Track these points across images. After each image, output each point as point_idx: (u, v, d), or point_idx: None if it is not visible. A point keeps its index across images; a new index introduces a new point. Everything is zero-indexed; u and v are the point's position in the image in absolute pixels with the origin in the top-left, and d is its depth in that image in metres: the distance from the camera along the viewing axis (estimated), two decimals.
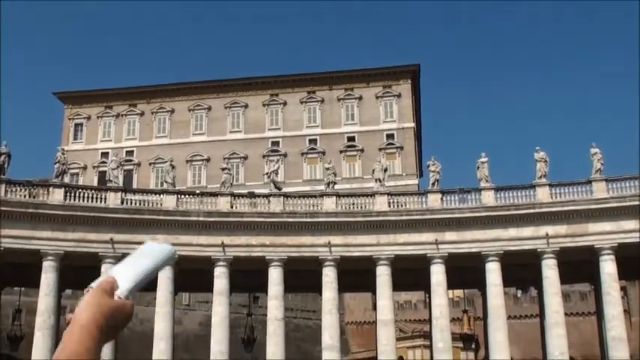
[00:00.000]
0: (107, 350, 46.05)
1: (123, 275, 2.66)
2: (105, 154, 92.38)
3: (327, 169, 53.70)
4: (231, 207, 50.00)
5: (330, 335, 48.41)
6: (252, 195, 53.08)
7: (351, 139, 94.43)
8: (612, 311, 46.61)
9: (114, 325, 2.50)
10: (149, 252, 2.85)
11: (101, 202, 48.85)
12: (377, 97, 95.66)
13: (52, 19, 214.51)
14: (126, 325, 2.60)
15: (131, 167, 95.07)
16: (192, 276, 50.19)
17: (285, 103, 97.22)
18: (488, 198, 49.36)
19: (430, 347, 52.08)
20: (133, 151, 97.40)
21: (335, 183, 52.35)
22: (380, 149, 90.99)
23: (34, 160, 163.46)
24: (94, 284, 2.62)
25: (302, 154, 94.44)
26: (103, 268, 47.24)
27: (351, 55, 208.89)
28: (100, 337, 2.43)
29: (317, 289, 50.45)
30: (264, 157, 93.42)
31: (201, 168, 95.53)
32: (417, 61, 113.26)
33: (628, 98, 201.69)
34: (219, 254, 48.46)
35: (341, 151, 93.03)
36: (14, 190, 47.65)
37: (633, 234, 46.28)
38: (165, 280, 47.97)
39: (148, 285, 2.74)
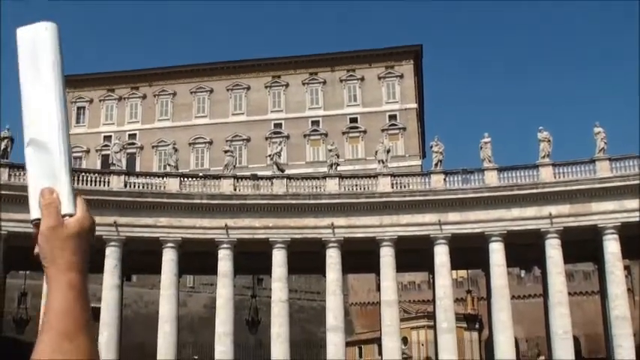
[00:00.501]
0: (112, 331, 46.32)
1: (54, 177, 2.19)
2: (107, 138, 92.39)
3: (330, 150, 53.69)
4: (235, 189, 50.04)
5: (334, 316, 48.58)
6: (255, 177, 53.13)
7: (353, 120, 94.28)
8: (616, 290, 46.69)
9: (85, 252, 2.21)
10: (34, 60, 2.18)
11: (104, 185, 48.93)
12: (379, 78, 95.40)
13: (53, 2, 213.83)
14: (93, 237, 2.27)
15: (134, 150, 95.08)
16: (196, 258, 50.37)
17: (287, 85, 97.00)
18: (492, 178, 49.33)
19: (434, 328, 52.23)
20: (135, 135, 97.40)
21: (338, 164, 52.35)
22: (382, 130, 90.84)
23: None
24: (35, 214, 2.20)
25: (304, 135, 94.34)
26: (108, 251, 47.46)
27: (353, 35, 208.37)
28: (82, 278, 2.17)
29: (321, 270, 50.59)
30: (266, 139, 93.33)
31: (203, 150, 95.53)
32: (420, 41, 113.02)
33: (630, 77, 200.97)
34: (223, 236, 48.55)
35: (343, 133, 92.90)
36: (17, 174, 47.72)
37: (636, 213, 46.28)
38: (169, 262, 48.17)
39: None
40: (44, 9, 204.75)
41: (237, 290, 54.36)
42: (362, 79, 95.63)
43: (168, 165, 52.59)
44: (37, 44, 2.22)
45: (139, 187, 50.03)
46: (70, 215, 2.20)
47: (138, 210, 48.18)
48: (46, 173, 2.16)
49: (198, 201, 48.87)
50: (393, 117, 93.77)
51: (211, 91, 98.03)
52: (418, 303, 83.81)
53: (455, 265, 50.57)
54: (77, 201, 2.26)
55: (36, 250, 2.21)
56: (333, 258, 48.93)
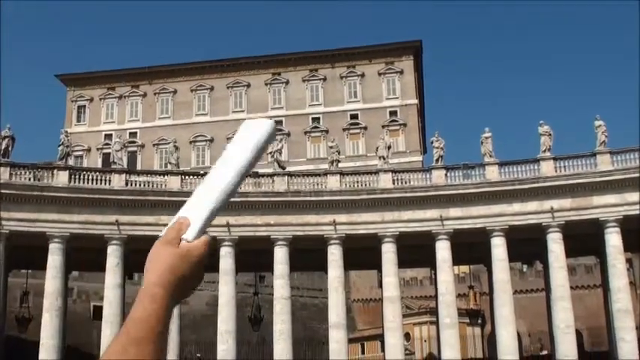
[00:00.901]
0: (115, 330, 46.32)
1: (195, 211, 2.29)
2: (108, 136, 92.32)
3: (331, 147, 53.69)
4: None
5: (336, 313, 48.61)
6: (256, 175, 53.10)
7: (354, 116, 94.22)
8: (618, 283, 46.72)
9: (183, 277, 2.21)
10: (240, 140, 2.35)
11: (106, 183, 48.96)
12: (379, 74, 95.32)
13: (53, 3, 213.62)
14: (200, 272, 2.27)
15: (135, 149, 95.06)
16: None
17: (287, 82, 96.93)
18: (493, 173, 49.32)
19: (436, 323, 52.29)
20: (136, 133, 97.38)
21: (339, 161, 52.36)
22: (383, 126, 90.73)
23: (37, 143, 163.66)
24: (162, 232, 2.30)
25: (305, 132, 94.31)
26: (110, 249, 47.51)
27: (352, 32, 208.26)
28: (167, 295, 2.17)
29: (323, 267, 50.59)
30: None
31: (204, 148, 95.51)
32: (419, 37, 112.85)
33: (630, 70, 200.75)
34: (225, 234, 48.56)
35: (344, 129, 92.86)
36: (19, 173, 47.77)
37: (637, 206, 46.26)
38: None
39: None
40: (42, 8, 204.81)
41: (240, 288, 54.40)
42: (362, 75, 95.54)
43: (170, 163, 52.60)
44: (252, 132, 2.38)
45: (140, 185, 50.06)
46: (188, 241, 2.25)
47: (139, 208, 48.20)
48: (192, 208, 2.29)
49: None
50: (393, 113, 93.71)
51: (212, 88, 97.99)
52: (420, 299, 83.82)
53: (457, 260, 50.59)
54: (202, 237, 2.29)
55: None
56: (334, 255, 48.94)
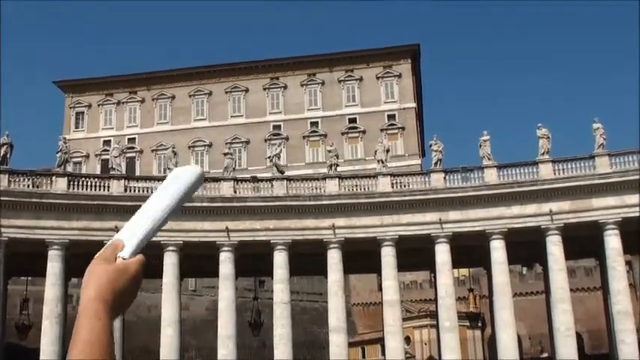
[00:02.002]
0: (115, 337, 46.19)
1: (129, 232, 2.46)
2: (107, 142, 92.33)
3: (329, 151, 53.71)
4: (235, 192, 50.05)
5: (336, 317, 48.58)
6: (255, 179, 53.09)
7: (352, 120, 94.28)
8: (617, 286, 46.70)
9: (120, 291, 2.29)
10: (172, 183, 2.67)
11: (105, 190, 48.94)
12: (377, 78, 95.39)
13: (50, 8, 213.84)
14: (136, 287, 2.36)
15: (133, 154, 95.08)
16: (197, 262, 50.38)
17: (285, 87, 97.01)
18: (491, 176, 49.34)
19: (437, 327, 52.27)
20: (134, 139, 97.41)
21: (337, 165, 52.37)
22: (382, 130, 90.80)
23: (36, 149, 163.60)
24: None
25: (304, 137, 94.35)
26: None
27: (350, 36, 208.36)
28: (108, 309, 2.24)
29: (322, 271, 50.57)
30: (266, 141, 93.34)
31: (203, 153, 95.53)
32: (417, 39, 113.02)
33: (629, 71, 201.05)
34: (224, 239, 48.55)
35: (343, 133, 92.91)
36: (17, 180, 47.74)
37: (637, 208, 46.27)
38: (170, 266, 48.18)
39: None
40: (40, 14, 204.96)
41: (239, 293, 54.37)
42: (360, 79, 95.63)
43: (168, 168, 52.60)
44: (180, 177, 2.66)
45: (139, 191, 50.04)
46: (123, 259, 2.36)
47: None
48: (127, 233, 2.47)
49: (199, 204, 48.84)
50: (391, 117, 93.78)
51: (210, 93, 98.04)
52: (420, 302, 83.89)
53: (456, 263, 50.61)
54: (137, 256, 2.41)
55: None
56: (334, 259, 48.93)
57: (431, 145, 51.78)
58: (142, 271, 2.39)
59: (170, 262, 48.23)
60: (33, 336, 51.60)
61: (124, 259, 2.35)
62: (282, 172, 52.92)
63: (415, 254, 50.40)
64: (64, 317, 47.06)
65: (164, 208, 2.59)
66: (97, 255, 2.36)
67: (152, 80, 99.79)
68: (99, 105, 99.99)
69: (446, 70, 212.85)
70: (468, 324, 65.95)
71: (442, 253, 48.45)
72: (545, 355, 67.76)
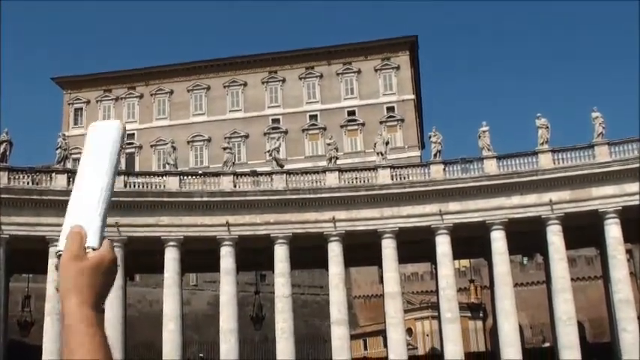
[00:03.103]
0: (116, 332, 46.36)
1: (85, 215, 2.28)
2: None
3: (329, 144, 53.69)
4: (234, 186, 50.04)
5: (338, 310, 48.64)
6: (254, 173, 53.08)
7: (351, 113, 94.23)
8: (618, 274, 46.76)
9: (101, 287, 2.24)
10: (97, 145, 2.43)
11: None
12: (376, 70, 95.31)
13: (48, 4, 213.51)
14: (113, 276, 2.30)
15: (132, 150, 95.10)
16: (198, 256, 50.41)
17: (283, 80, 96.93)
18: (491, 167, 49.33)
19: (438, 318, 52.34)
20: (133, 134, 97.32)
21: (337, 158, 52.34)
22: (381, 122, 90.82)
23: (35, 146, 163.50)
24: (60, 245, 2.27)
25: (303, 130, 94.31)
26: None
27: (348, 28, 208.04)
28: (96, 311, 2.19)
29: (323, 264, 50.62)
30: (265, 134, 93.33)
31: (202, 148, 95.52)
32: (415, 31, 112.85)
33: (629, 61, 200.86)
34: (225, 234, 48.57)
35: (342, 126, 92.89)
36: (17, 177, 47.73)
37: (637, 196, 46.29)
38: (171, 261, 48.21)
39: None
40: (38, 11, 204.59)
41: (241, 287, 54.41)
42: (358, 71, 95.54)
43: (168, 164, 52.58)
44: (103, 136, 2.47)
45: (138, 186, 50.01)
46: (94, 249, 2.24)
47: (138, 210, 48.18)
48: (79, 215, 2.28)
49: (199, 199, 48.86)
50: (390, 109, 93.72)
51: (208, 88, 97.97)
52: (421, 294, 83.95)
53: (457, 254, 50.66)
54: (105, 242, 2.30)
55: (55, 284, 2.26)
56: (335, 252, 48.96)
57: (430, 137, 51.75)
58: (114, 255, 2.29)
59: (171, 257, 48.26)
60: (35, 333, 51.72)
61: (94, 249, 2.24)
62: (281, 166, 52.90)
63: (416, 246, 50.44)
64: None
65: (107, 174, 2.38)
66: (64, 250, 2.24)
67: (150, 75, 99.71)
68: (97, 101, 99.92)
69: (444, 62, 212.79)
70: (469, 315, 66.21)
71: (442, 245, 48.49)
72: (547, 344, 67.84)
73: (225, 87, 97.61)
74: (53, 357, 44.97)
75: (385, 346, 52.30)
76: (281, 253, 48.84)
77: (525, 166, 49.31)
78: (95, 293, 2.21)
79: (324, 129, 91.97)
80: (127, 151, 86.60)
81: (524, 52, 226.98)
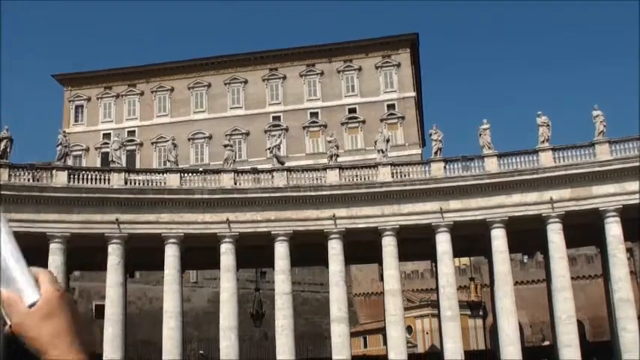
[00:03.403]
0: (117, 329, 46.41)
1: (15, 281, 2.15)
2: (106, 135, 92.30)
3: (330, 141, 53.68)
4: (235, 183, 50.05)
5: (338, 307, 48.66)
6: (255, 171, 53.10)
7: (352, 110, 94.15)
8: (618, 273, 46.76)
9: (75, 324, 2.15)
10: None
11: (105, 183, 48.93)
12: (376, 68, 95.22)
13: (48, 1, 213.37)
14: (68, 303, 2.18)
15: (133, 147, 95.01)
16: (199, 253, 50.43)
17: (284, 77, 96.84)
18: (492, 165, 49.32)
19: (438, 316, 52.35)
20: (134, 131, 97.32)
21: (337, 155, 52.36)
22: (381, 120, 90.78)
23: (36, 143, 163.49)
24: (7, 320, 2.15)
25: (304, 127, 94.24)
26: (110, 248, 47.52)
27: (349, 26, 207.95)
28: (86, 352, 2.11)
29: (323, 262, 50.64)
30: (265, 132, 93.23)
31: (203, 145, 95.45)
32: (416, 28, 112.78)
33: (629, 58, 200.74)
34: (225, 231, 48.58)
35: (342, 124, 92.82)
36: (18, 174, 47.74)
37: (637, 195, 46.26)
38: (172, 258, 48.22)
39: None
40: (41, 7, 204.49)
41: (241, 284, 54.47)
42: (359, 69, 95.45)
43: (168, 161, 52.56)
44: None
45: (139, 183, 50.02)
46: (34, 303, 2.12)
47: (139, 207, 48.21)
48: (2, 280, 2.15)
49: (199, 196, 48.87)
50: (391, 106, 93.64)
51: (209, 85, 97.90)
52: (422, 292, 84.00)
53: (457, 252, 50.65)
54: (40, 278, 2.16)
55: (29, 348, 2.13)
56: (335, 249, 48.97)
57: (431, 135, 51.74)
58: (57, 286, 2.16)
59: (171, 254, 48.27)
60: None
61: (34, 303, 2.12)
62: (282, 163, 52.89)
63: (416, 244, 50.45)
64: None
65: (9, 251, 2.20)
66: (11, 324, 2.12)
67: (151, 73, 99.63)
68: (98, 98, 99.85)
69: (445, 59, 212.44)
70: (469, 313, 66.17)
71: (443, 243, 48.49)
72: (546, 343, 67.87)
73: (225, 84, 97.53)
74: None
75: (385, 343, 52.31)
76: (281, 251, 48.85)
77: (526, 164, 49.31)
78: (72, 334, 2.12)
79: (325, 126, 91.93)
80: (128, 148, 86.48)
81: (526, 50, 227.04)
